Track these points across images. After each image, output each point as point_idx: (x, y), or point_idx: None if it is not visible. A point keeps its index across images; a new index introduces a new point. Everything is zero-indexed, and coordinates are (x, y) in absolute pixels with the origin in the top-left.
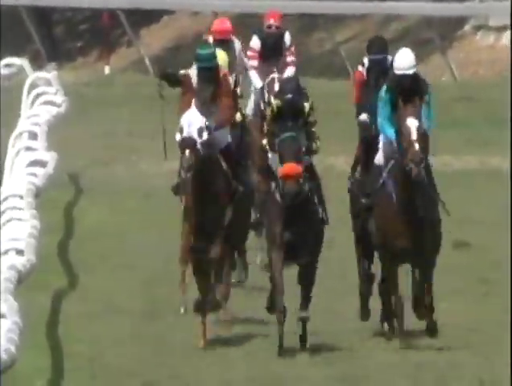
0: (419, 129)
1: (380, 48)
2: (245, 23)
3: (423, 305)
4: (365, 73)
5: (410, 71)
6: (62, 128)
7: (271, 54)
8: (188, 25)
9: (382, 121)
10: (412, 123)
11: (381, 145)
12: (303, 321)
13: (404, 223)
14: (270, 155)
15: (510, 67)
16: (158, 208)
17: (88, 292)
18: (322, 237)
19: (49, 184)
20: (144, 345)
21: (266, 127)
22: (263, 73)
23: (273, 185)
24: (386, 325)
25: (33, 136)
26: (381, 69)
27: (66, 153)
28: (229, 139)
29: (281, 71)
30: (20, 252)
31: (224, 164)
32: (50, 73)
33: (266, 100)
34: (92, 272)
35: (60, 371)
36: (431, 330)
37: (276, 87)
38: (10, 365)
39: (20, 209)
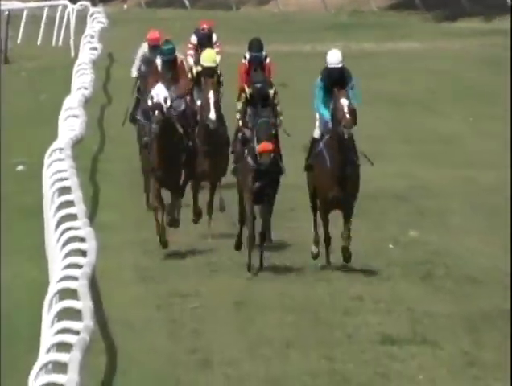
0: (349, 105)
1: (257, 47)
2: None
3: (346, 235)
4: (247, 64)
5: (339, 66)
6: (106, 33)
7: (203, 46)
8: None
9: (318, 103)
10: (344, 102)
11: (317, 123)
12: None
13: (335, 178)
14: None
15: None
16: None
17: None
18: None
19: (99, 57)
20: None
21: (240, 108)
22: (197, 59)
23: (245, 151)
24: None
25: (92, 37)
26: (258, 62)
27: (109, 44)
28: (183, 107)
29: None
30: None
31: (178, 126)
32: (100, 8)
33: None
34: None
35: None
36: (347, 257)
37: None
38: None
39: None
